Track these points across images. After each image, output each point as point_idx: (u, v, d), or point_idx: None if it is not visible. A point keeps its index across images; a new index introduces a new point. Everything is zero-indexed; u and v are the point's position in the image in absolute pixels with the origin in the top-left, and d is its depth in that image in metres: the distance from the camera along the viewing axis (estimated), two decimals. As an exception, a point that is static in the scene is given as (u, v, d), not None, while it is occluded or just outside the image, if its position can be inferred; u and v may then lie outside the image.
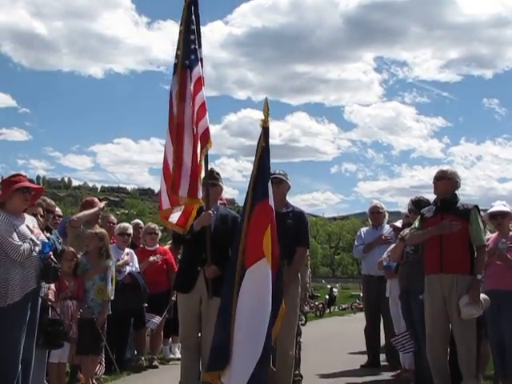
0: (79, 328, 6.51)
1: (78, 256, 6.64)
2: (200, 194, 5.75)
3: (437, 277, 6.10)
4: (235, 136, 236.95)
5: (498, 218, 6.52)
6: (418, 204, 6.96)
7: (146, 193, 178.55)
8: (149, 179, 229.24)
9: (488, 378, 7.13)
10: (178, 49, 5.92)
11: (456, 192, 6.34)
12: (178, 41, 5.94)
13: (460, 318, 5.94)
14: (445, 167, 6.47)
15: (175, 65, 5.91)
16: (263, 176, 5.13)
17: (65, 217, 8.00)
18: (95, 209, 7.58)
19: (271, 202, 5.06)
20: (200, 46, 6.00)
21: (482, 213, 6.43)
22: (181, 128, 5.75)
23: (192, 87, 5.82)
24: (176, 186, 5.68)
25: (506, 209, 6.54)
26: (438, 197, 6.35)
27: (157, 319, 8.44)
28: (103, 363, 7.10)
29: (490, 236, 6.72)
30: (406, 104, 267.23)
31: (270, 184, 5.12)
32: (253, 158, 5.26)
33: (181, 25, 5.96)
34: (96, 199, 8.20)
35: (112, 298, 6.93)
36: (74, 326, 6.43)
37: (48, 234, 6.46)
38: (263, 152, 5.15)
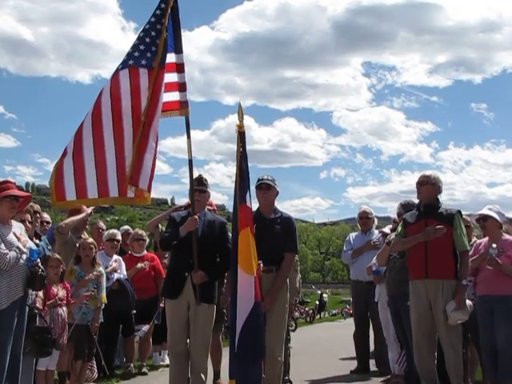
0: (77, 334, 6.55)
1: (64, 263, 6.62)
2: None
3: (421, 282, 6.10)
4: (224, 142, 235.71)
5: (481, 221, 6.55)
6: (407, 207, 6.95)
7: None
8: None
9: (477, 383, 7.14)
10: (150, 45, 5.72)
11: (438, 197, 6.34)
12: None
13: (447, 322, 5.96)
14: (427, 172, 6.46)
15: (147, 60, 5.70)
16: (244, 180, 5.22)
17: (53, 223, 7.96)
18: (82, 215, 7.54)
19: (250, 206, 5.26)
20: (181, 52, 5.96)
21: (464, 217, 6.47)
22: (148, 123, 5.60)
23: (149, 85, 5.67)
24: (135, 179, 5.59)
25: (489, 212, 6.48)
26: (421, 202, 6.35)
27: (145, 327, 8.45)
28: (95, 369, 7.10)
29: (481, 241, 6.71)
30: (394, 109, 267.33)
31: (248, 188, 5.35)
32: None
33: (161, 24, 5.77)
34: (83, 205, 8.16)
35: (103, 305, 6.98)
36: (65, 334, 6.40)
37: (37, 241, 6.44)
38: (242, 157, 5.23)
